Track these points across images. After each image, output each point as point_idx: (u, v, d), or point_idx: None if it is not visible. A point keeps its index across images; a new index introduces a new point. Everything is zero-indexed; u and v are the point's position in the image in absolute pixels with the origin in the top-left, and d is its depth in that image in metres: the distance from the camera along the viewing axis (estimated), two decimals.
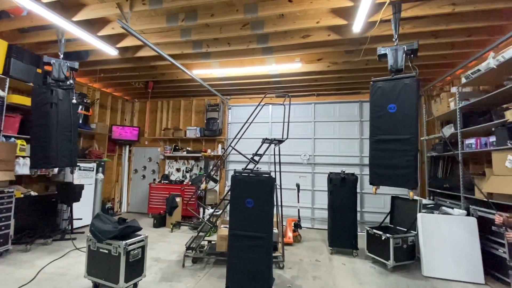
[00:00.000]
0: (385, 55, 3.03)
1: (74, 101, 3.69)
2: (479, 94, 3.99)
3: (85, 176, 5.53)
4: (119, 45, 4.20)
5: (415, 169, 2.73)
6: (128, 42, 4.18)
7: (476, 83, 4.11)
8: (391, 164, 2.83)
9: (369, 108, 3.10)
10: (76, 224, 5.05)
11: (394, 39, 3.01)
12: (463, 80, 4.02)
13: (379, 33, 3.59)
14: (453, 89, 4.43)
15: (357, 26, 3.26)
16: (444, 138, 4.20)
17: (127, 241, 2.76)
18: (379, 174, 2.93)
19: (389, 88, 2.92)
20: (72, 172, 5.07)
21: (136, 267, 2.86)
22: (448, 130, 4.41)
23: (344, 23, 3.43)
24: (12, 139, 4.22)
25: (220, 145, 6.91)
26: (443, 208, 4.09)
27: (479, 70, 3.66)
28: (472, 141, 3.91)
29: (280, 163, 3.98)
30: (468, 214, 3.76)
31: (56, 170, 4.90)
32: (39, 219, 4.65)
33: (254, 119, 4.34)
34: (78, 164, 4.13)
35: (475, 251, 3.44)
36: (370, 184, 3.03)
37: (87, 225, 5.42)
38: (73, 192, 4.77)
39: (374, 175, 2.98)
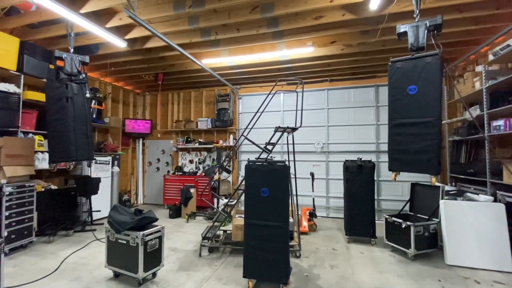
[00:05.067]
0: (405, 33, 2.80)
1: (87, 94, 3.71)
2: (508, 72, 3.71)
3: (101, 170, 5.64)
4: (127, 37, 4.15)
5: (438, 153, 2.57)
6: (136, 33, 4.12)
7: (505, 60, 3.83)
8: (412, 149, 2.68)
9: (387, 91, 2.93)
10: (95, 216, 5.19)
11: (415, 15, 2.78)
12: (490, 57, 3.73)
13: (398, 9, 3.36)
14: (479, 68, 4.14)
15: (374, 3, 3.05)
16: (472, 119, 3.97)
17: (144, 231, 2.78)
18: (399, 160, 2.79)
19: (409, 68, 2.72)
20: (89, 166, 5.19)
21: (154, 257, 2.89)
22: (474, 112, 4.14)
23: (359, 0, 3.22)
24: (30, 135, 4.32)
25: (231, 136, 6.86)
26: (468, 194, 3.90)
27: (508, 45, 3.39)
28: (500, 122, 3.65)
29: (294, 152, 3.88)
30: (495, 200, 3.57)
31: (72, 164, 4.99)
32: (60, 212, 4.81)
33: (265, 108, 4.24)
34: (94, 157, 4.26)
35: (503, 239, 3.28)
36: (390, 170, 2.88)
37: (106, 217, 5.57)
38: (91, 185, 4.88)
39: (394, 161, 2.84)
